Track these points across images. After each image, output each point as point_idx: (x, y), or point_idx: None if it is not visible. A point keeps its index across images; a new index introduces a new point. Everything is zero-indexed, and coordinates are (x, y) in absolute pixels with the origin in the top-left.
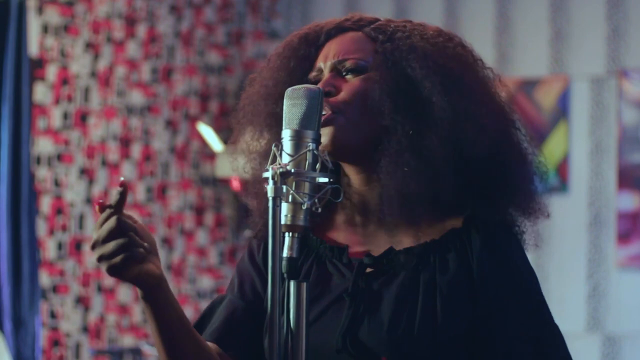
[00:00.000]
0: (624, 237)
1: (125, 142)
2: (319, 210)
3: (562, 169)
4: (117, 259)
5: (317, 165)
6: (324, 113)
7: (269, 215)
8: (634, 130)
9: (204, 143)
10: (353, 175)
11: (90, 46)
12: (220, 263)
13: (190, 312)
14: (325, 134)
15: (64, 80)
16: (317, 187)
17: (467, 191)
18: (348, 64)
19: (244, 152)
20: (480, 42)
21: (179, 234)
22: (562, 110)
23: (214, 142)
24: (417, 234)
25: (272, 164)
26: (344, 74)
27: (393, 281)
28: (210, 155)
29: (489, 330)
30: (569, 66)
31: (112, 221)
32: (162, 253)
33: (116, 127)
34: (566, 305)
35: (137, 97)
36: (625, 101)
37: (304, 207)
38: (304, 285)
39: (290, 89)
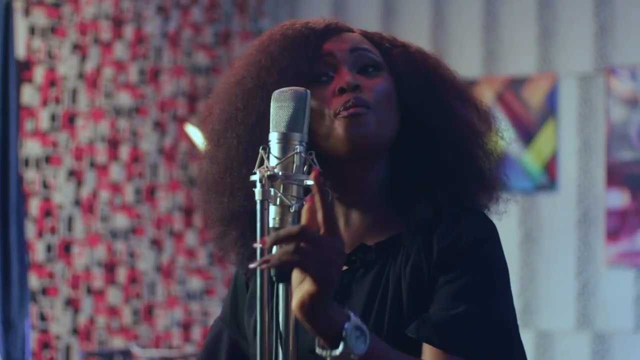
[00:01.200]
0: (613, 235)
1: (113, 144)
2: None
3: (551, 167)
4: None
5: (305, 168)
6: (343, 112)
7: (257, 218)
8: (622, 128)
9: (192, 144)
10: (349, 171)
11: (77, 48)
12: (209, 264)
13: (180, 313)
14: (354, 128)
15: (52, 82)
16: (305, 190)
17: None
18: (365, 59)
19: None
20: (468, 40)
21: (168, 235)
22: (550, 108)
23: (201, 143)
24: (386, 227)
25: (259, 166)
26: (364, 69)
27: (364, 278)
28: (198, 155)
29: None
30: (556, 64)
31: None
32: (151, 255)
33: (104, 129)
34: (556, 302)
35: (124, 99)
36: (613, 98)
37: (292, 209)
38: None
39: (276, 91)
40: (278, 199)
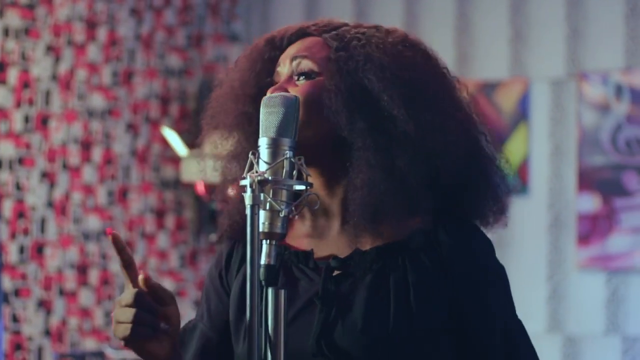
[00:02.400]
0: (584, 239)
1: (86, 146)
2: (296, 217)
3: (522, 171)
4: (122, 328)
5: (294, 173)
6: None
7: (247, 223)
8: (593, 133)
9: (165, 146)
10: (313, 178)
11: (51, 49)
12: (181, 266)
13: None
14: None
15: (25, 84)
16: (294, 195)
17: (434, 192)
18: (301, 66)
19: (212, 154)
20: (440, 43)
21: (140, 237)
22: (522, 112)
23: (178, 146)
24: (381, 234)
25: (249, 171)
26: (296, 78)
27: (362, 282)
28: (171, 158)
29: (464, 326)
30: (528, 68)
31: (129, 296)
32: None
33: (77, 131)
34: (527, 306)
35: (97, 101)
36: (585, 103)
37: (282, 214)
38: (282, 292)
39: (266, 97)
40: (268, 204)
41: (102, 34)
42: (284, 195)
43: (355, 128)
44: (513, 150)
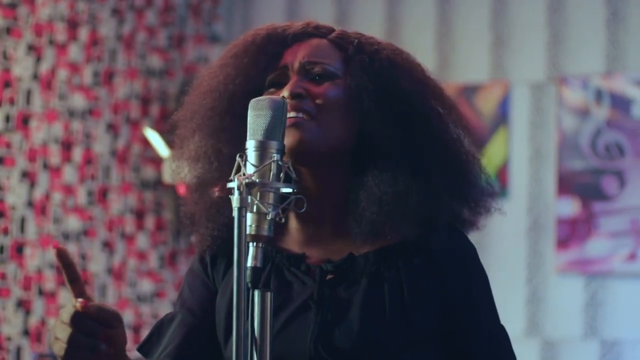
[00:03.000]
0: (563, 243)
1: (66, 146)
2: (282, 220)
3: (502, 174)
4: (58, 346)
5: (281, 176)
6: (293, 115)
7: (235, 225)
8: (573, 137)
9: (145, 147)
10: (309, 181)
11: (32, 49)
12: (160, 267)
13: (130, 316)
14: (292, 135)
15: (6, 83)
16: (281, 198)
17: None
18: (317, 69)
19: (191, 156)
20: (421, 47)
21: (119, 237)
22: (502, 116)
23: (161, 147)
24: (374, 241)
25: (236, 174)
26: (313, 78)
27: (356, 286)
28: (151, 158)
29: (453, 330)
30: (509, 72)
31: (67, 315)
32: (102, 257)
33: (58, 131)
34: (505, 309)
35: (78, 101)
36: (565, 107)
37: (269, 217)
38: (269, 295)
39: (254, 100)
40: (255, 207)
41: (83, 33)
42: (271, 198)
43: (388, 129)
44: (493, 154)
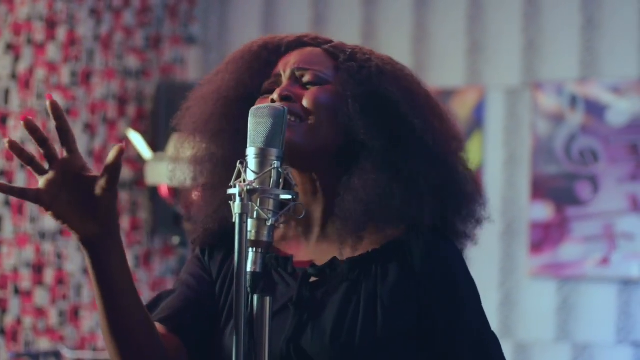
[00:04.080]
0: (536, 247)
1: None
2: (281, 226)
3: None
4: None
5: (280, 182)
6: None
7: (236, 231)
8: (547, 142)
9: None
10: (299, 183)
11: (10, 48)
12: (135, 266)
13: None
14: None
15: None
16: (280, 204)
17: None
18: (308, 75)
19: (180, 157)
20: (398, 51)
21: None
22: (477, 120)
23: (143, 149)
24: (359, 243)
25: (236, 180)
26: (303, 83)
27: (336, 290)
28: (127, 159)
29: (434, 335)
30: (484, 77)
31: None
32: (78, 256)
33: None
34: None
35: (56, 100)
36: (539, 113)
37: (269, 223)
38: (268, 299)
39: (254, 107)
40: (255, 212)
41: (61, 33)
42: (270, 204)
43: (372, 133)
44: None
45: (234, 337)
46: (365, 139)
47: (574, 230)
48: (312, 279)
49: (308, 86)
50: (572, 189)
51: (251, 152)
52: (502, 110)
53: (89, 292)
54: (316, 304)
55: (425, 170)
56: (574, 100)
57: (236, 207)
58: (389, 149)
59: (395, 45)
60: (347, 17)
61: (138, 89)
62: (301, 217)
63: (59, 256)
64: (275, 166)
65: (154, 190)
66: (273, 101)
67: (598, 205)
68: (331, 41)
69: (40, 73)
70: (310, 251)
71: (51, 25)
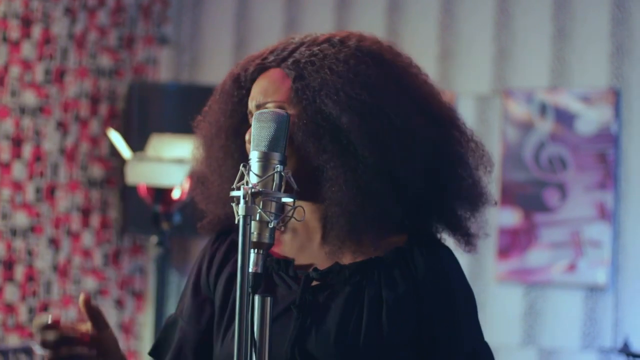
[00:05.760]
0: (503, 252)
1: (16, 142)
2: (283, 228)
3: None
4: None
5: (283, 186)
6: None
7: (239, 233)
8: (516, 149)
9: (93, 145)
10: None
11: None
12: (104, 264)
13: (73, 312)
14: None
15: None
16: (282, 207)
17: (409, 208)
18: (268, 108)
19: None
20: None
21: (65, 234)
22: None
23: (123, 148)
24: (361, 250)
25: (239, 182)
26: None
27: (338, 295)
28: (98, 157)
29: (432, 345)
30: (455, 84)
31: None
32: (48, 253)
33: (8, 127)
34: None
35: (30, 98)
36: (509, 120)
37: (271, 225)
38: (269, 300)
39: (258, 112)
40: (258, 215)
41: (36, 31)
42: (273, 207)
43: (323, 155)
44: None
45: (236, 337)
46: (318, 162)
47: (542, 236)
48: (314, 282)
49: None
50: (540, 196)
51: (254, 156)
52: (473, 117)
53: (59, 289)
54: (319, 307)
55: (373, 180)
56: (543, 109)
57: (240, 210)
58: (342, 166)
59: None
60: (319, 21)
61: (111, 88)
62: (302, 220)
63: (30, 253)
64: (278, 170)
65: (125, 189)
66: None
67: (566, 212)
68: (300, 45)
69: (15, 70)
70: (311, 255)
71: (26, 23)
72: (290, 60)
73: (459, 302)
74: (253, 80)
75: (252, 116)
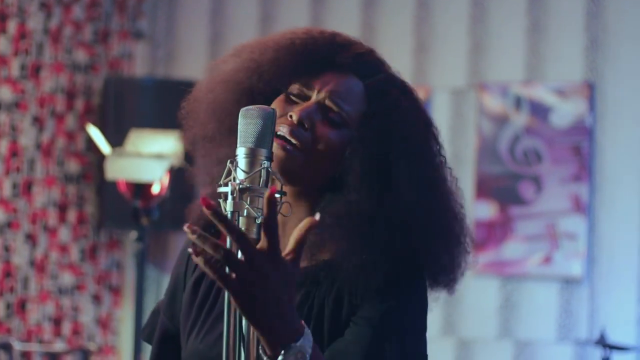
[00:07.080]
0: (480, 245)
1: None
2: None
3: None
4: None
5: (270, 182)
6: (286, 136)
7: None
8: (492, 142)
9: (69, 140)
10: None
11: None
12: (81, 260)
13: (51, 308)
14: (277, 156)
15: None
16: None
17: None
18: (335, 113)
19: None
20: None
21: (42, 230)
22: None
23: (102, 144)
24: (319, 252)
25: (226, 178)
26: (326, 116)
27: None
28: (74, 152)
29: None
30: (430, 78)
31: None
32: (25, 249)
33: None
34: None
35: (6, 93)
36: (484, 114)
37: (258, 221)
38: None
39: (244, 108)
40: (245, 211)
41: (12, 26)
42: (260, 203)
43: (363, 188)
44: None
45: (225, 333)
46: (356, 185)
47: (517, 229)
48: None
49: (329, 123)
50: (515, 189)
51: (241, 152)
52: (448, 111)
53: (36, 285)
54: None
55: (411, 215)
56: (518, 102)
57: (228, 205)
58: (375, 192)
59: None
60: (294, 16)
61: (86, 83)
62: (289, 215)
63: (7, 249)
64: (265, 166)
65: (102, 185)
66: (291, 117)
67: (541, 205)
68: (380, 69)
69: None
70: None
71: (2, 18)
72: (372, 80)
73: (393, 312)
74: (335, 68)
75: (286, 99)
